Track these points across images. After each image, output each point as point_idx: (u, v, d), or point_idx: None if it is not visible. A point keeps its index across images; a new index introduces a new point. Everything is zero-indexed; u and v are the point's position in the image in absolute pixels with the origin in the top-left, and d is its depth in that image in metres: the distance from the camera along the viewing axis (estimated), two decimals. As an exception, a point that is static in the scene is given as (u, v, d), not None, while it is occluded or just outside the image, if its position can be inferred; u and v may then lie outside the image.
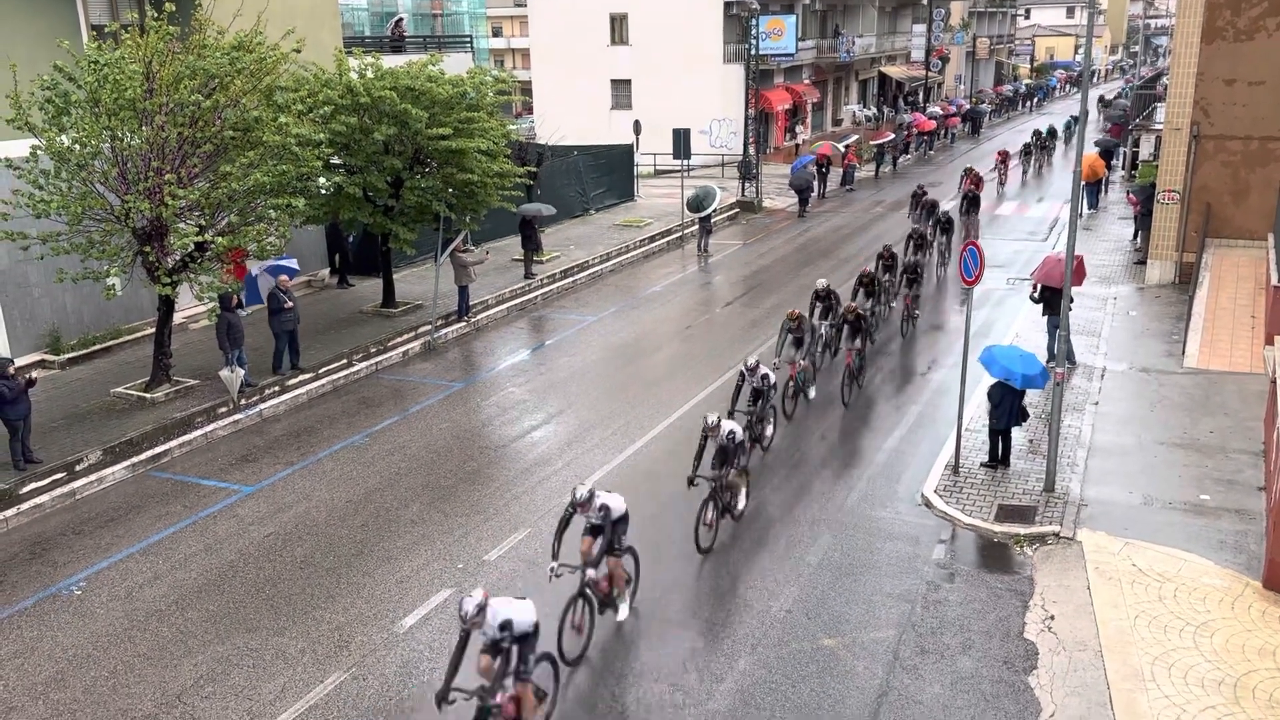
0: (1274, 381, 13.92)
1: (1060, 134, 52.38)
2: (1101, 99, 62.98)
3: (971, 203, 30.42)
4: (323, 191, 20.50)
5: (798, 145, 50.24)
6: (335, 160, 20.59)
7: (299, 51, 17.92)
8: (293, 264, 19.08)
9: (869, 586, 11.93)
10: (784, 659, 10.59)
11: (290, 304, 18.34)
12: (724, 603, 11.66)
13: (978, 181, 32.98)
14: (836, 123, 57.78)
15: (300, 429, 17.09)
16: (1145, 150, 36.73)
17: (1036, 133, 47.28)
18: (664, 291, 26.15)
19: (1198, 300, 20.89)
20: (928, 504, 13.88)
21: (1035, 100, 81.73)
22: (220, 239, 16.48)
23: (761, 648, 10.78)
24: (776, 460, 15.33)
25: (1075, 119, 51.45)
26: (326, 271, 25.49)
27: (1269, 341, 17.02)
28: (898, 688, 10.13)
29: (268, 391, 18.00)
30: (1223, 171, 23.73)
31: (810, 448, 15.92)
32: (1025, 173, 44.31)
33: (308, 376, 18.76)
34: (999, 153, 41.79)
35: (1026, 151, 44.95)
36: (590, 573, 10.60)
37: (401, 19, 43.67)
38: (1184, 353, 19.05)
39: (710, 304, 25.02)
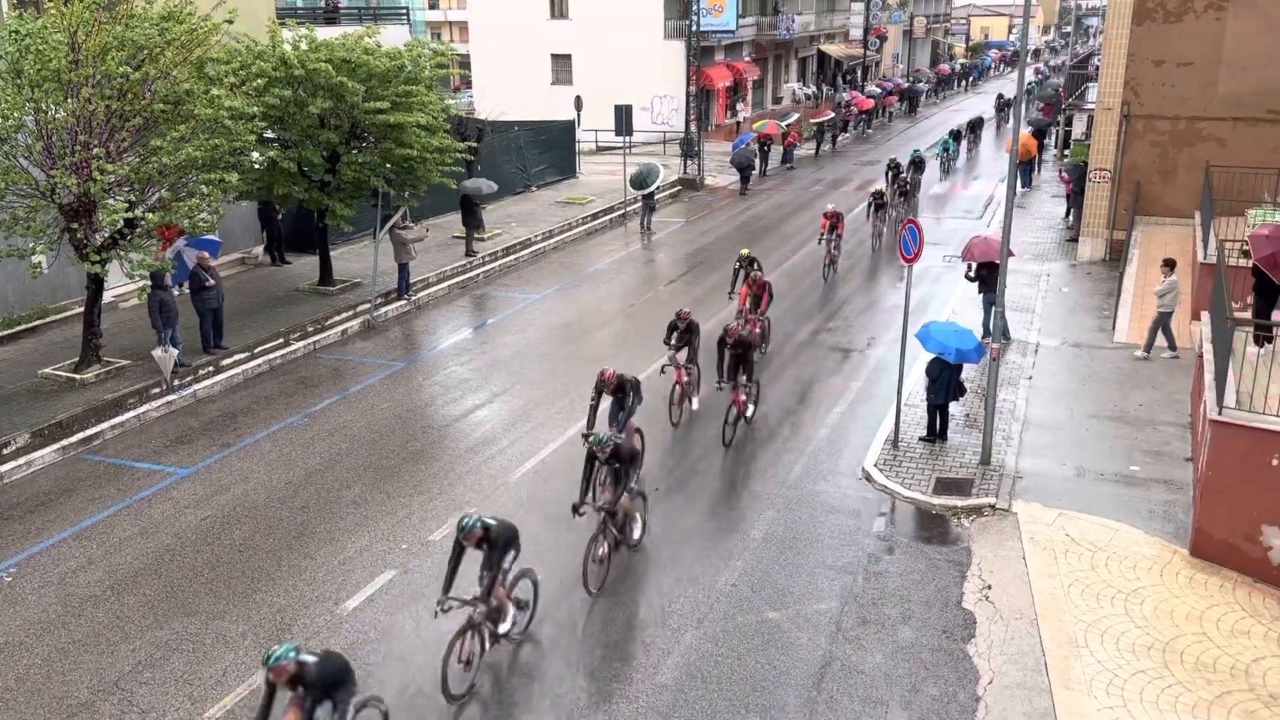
0: (1200, 355, 14.35)
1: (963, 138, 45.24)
2: (1000, 96, 58.68)
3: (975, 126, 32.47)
4: (256, 166, 20.03)
5: (739, 123, 50.34)
6: (269, 134, 20.13)
7: (231, 23, 17.46)
8: (213, 240, 18.63)
9: (812, 560, 12.11)
10: (729, 632, 10.71)
11: (212, 282, 17.92)
12: (670, 578, 11.73)
13: (836, 221, 24.70)
14: (777, 100, 57.99)
15: (236, 410, 16.77)
16: (1077, 129, 37.49)
17: (893, 165, 32.29)
18: (607, 269, 26.10)
19: (1127, 277, 21.44)
20: (868, 478, 14.11)
21: (970, 79, 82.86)
22: (151, 215, 16.04)
23: (707, 622, 10.89)
24: (718, 437, 15.40)
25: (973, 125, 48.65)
26: (260, 249, 24.97)
27: (1195, 317, 17.56)
28: (840, 658, 10.31)
29: (202, 372, 17.61)
30: (1152, 151, 24.34)
31: (754, 424, 16.04)
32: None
33: (243, 356, 18.39)
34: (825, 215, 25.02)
35: (894, 173, 31.91)
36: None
37: None
38: (1114, 328, 19.56)
39: (654, 281, 25.03)
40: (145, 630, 10.79)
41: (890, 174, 31.58)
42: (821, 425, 15.97)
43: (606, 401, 13.63)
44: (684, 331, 15.57)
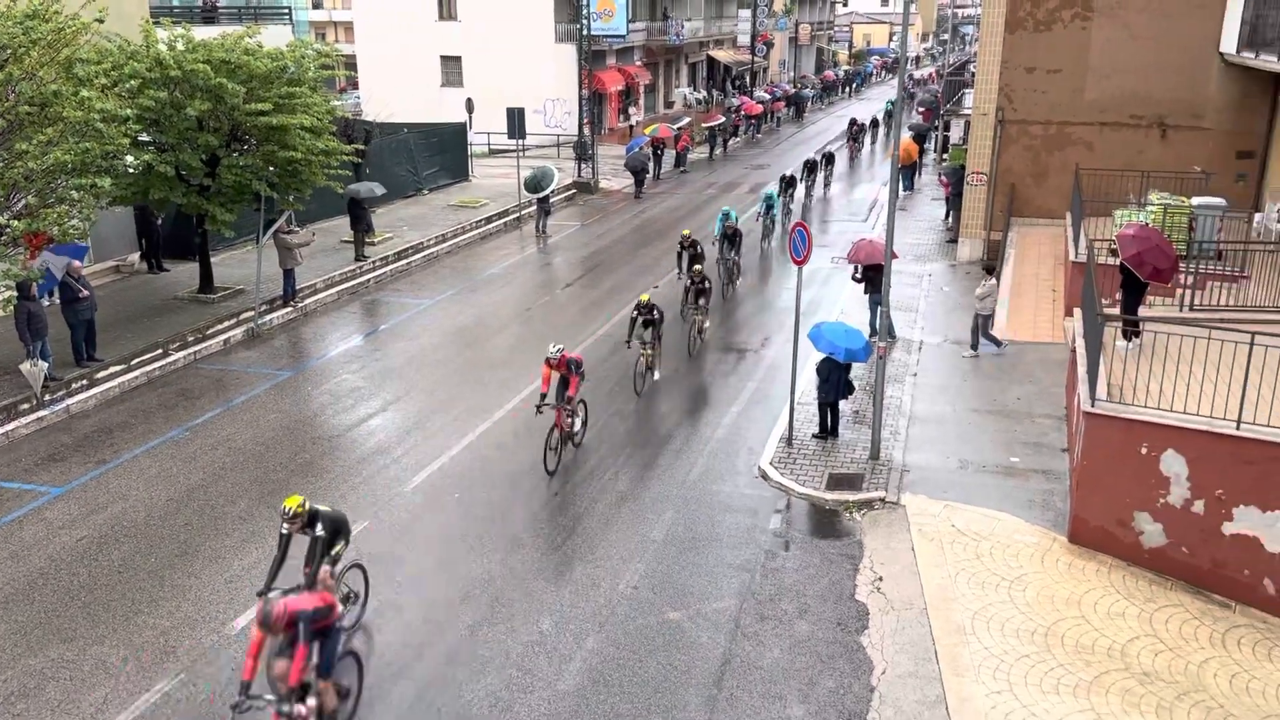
0: (1074, 350, 15.02)
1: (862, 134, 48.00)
2: (852, 122, 58.22)
3: (829, 160, 32.55)
4: (130, 170, 19.23)
5: (631, 127, 50.57)
6: (144, 137, 19.34)
7: (101, 22, 16.70)
8: (79, 246, 17.82)
9: (711, 559, 12.23)
10: (631, 635, 10.74)
11: (85, 293, 17.12)
12: (571, 583, 11.70)
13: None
14: (668, 105, 58.48)
15: (113, 424, 16.04)
16: (955, 134, 38.84)
17: (783, 182, 32.88)
18: (503, 273, 25.88)
19: (1004, 275, 22.28)
20: (764, 476, 14.33)
21: (854, 86, 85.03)
22: (17, 222, 15.19)
23: (609, 625, 10.89)
24: (620, 440, 15.45)
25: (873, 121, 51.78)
26: (136, 256, 23.95)
27: (1068, 313, 18.39)
28: (740, 655, 10.44)
29: (74, 386, 16.79)
30: (1025, 155, 25.37)
31: (653, 425, 16.13)
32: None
33: (119, 369, 17.61)
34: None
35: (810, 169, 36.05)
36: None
37: None
38: (993, 325, 20.28)
39: (551, 285, 24.94)
40: (18, 659, 10.22)
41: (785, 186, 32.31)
42: (719, 425, 16.15)
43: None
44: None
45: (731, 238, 23.40)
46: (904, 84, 14.67)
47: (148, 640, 10.56)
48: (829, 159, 38.68)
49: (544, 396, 14.12)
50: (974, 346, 18.80)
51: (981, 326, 18.74)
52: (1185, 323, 13.92)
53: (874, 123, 51.84)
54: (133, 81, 18.00)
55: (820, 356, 15.16)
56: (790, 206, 31.79)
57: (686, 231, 21.61)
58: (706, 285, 19.54)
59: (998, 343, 18.77)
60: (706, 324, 19.80)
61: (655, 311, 17.18)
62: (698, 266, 19.80)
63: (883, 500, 13.53)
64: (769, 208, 28.28)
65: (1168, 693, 9.77)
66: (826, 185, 38.06)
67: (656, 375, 17.91)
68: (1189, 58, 23.43)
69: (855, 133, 47.14)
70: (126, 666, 10.14)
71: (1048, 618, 10.90)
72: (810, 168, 36.20)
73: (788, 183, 32.26)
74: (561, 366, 14.33)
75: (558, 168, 32.41)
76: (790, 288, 23.80)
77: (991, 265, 19.39)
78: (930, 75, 78.95)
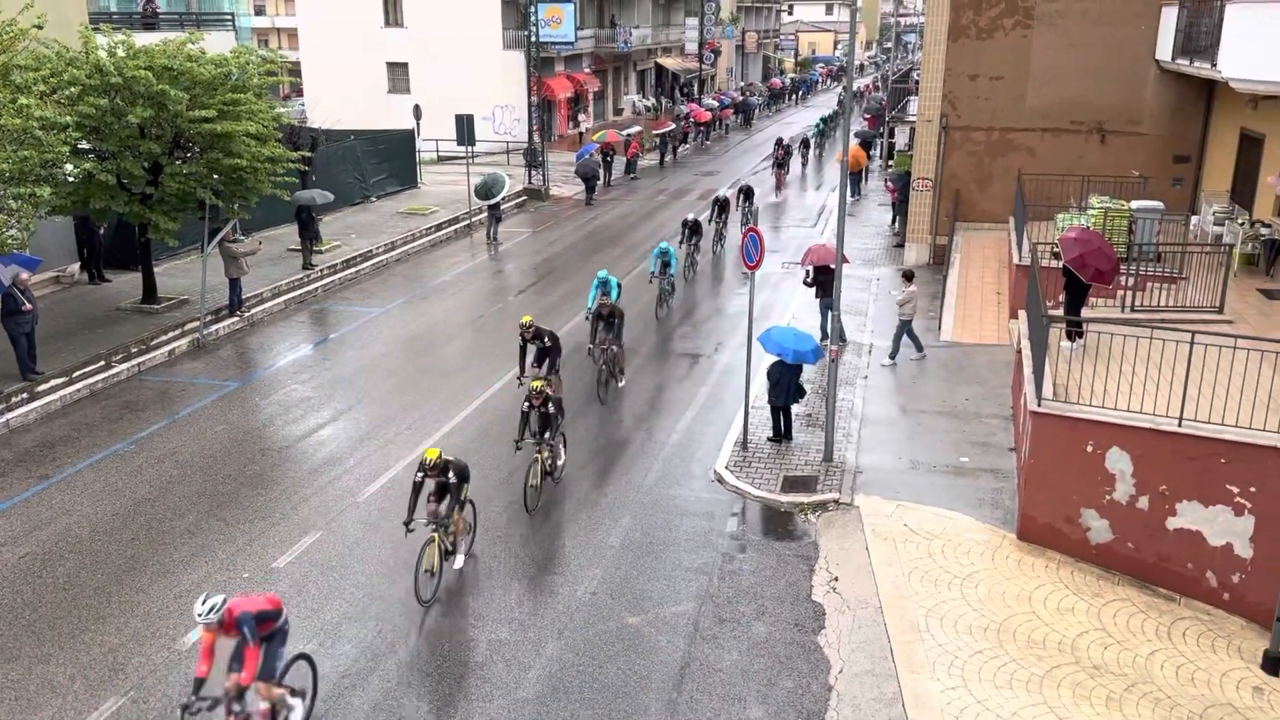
0: (1019, 352, 15.30)
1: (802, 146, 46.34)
2: (778, 143, 55.92)
3: (747, 194, 31.32)
4: (70, 179, 18.80)
5: (581, 133, 50.58)
6: (84, 145, 18.93)
7: (40, 28, 16.34)
8: (33, 258, 17.41)
9: (669, 563, 12.26)
10: (590, 641, 10.72)
11: (29, 306, 16.71)
12: (529, 590, 11.65)
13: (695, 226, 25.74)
14: (618, 112, 58.60)
15: (55, 439, 15.66)
16: (901, 141, 39.40)
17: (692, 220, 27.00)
18: (454, 281, 25.72)
19: (950, 279, 22.66)
20: (720, 480, 14.41)
21: (800, 93, 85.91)
22: (-49, 232, 14.81)
23: (568, 632, 10.87)
24: (575, 446, 15.43)
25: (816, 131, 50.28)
26: (76, 266, 23.41)
27: (1013, 315, 18.73)
28: (699, 658, 10.47)
29: (14, 400, 16.36)
30: (969, 160, 25.83)
31: (609, 431, 16.13)
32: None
33: (60, 381, 17.19)
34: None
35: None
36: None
37: None
38: (940, 328, 20.62)
39: (503, 292, 24.83)
40: (-43, 682, 9.93)
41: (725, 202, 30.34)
42: (674, 430, 16.20)
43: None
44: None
45: (609, 318, 17.43)
46: (851, 90, 14.86)
47: (95, 658, 10.32)
48: (747, 193, 31.31)
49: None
50: (892, 355, 18.85)
51: (904, 331, 18.94)
52: (1127, 323, 14.27)
53: (804, 143, 47.08)
54: (72, 88, 17.60)
55: (771, 360, 15.29)
56: (696, 258, 25.54)
57: (527, 319, 15.39)
58: (549, 409, 13.30)
59: (919, 346, 18.94)
60: (556, 473, 14.17)
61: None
62: (537, 384, 13.25)
63: (836, 501, 13.67)
64: (665, 265, 21.95)
65: (1117, 685, 9.99)
66: (746, 221, 29.00)
67: (622, 383, 17.95)
68: (1126, 65, 24.05)
69: (781, 158, 39.77)
70: (74, 685, 9.90)
71: (999, 614, 11.09)
72: (721, 206, 29.08)
73: (692, 228, 25.11)
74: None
75: (508, 174, 32.32)
76: (740, 293, 24.04)
77: (910, 272, 19.53)
78: (868, 86, 79.92)
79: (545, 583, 11.81)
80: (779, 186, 38.94)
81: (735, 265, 26.90)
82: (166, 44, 19.77)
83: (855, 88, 74.13)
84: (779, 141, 41.96)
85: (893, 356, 18.85)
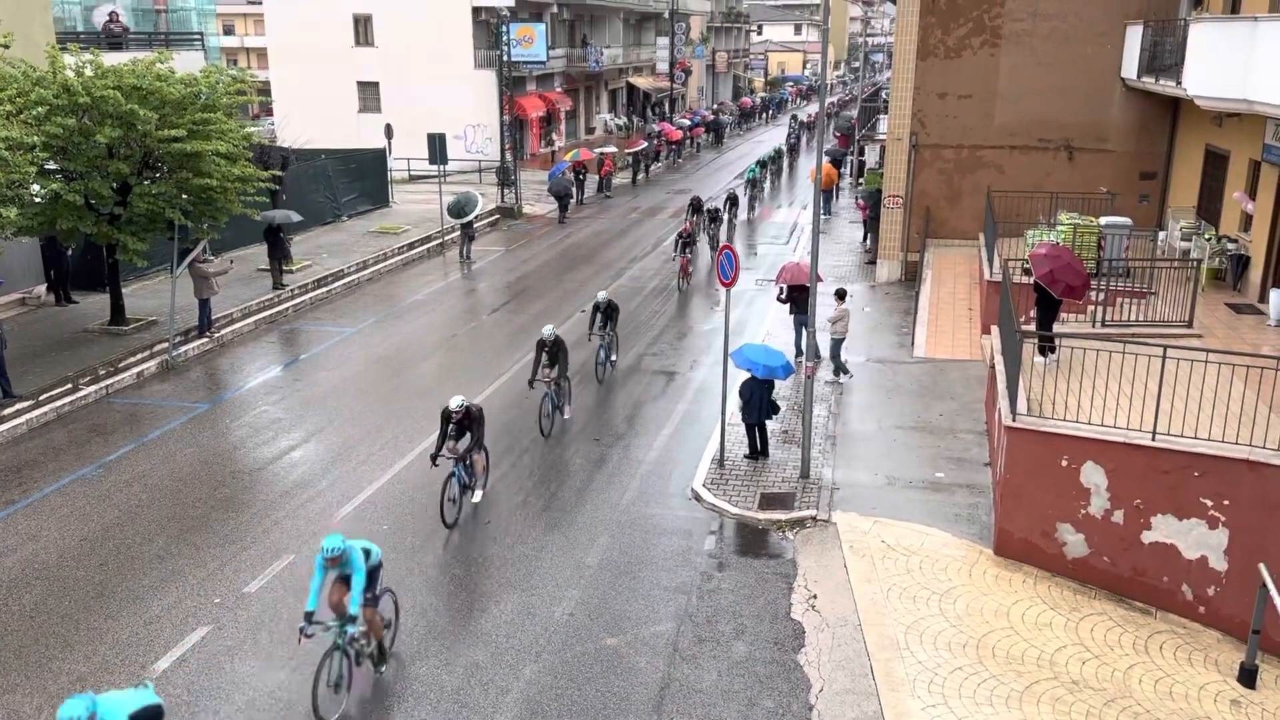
0: (992, 367, 15.40)
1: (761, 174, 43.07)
2: (794, 116, 58.62)
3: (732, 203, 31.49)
4: (37, 200, 18.54)
5: (554, 152, 50.63)
6: (51, 165, 18.68)
7: (6, 47, 16.15)
8: None
9: (647, 582, 12.18)
10: (569, 663, 10.61)
11: None
12: (506, 612, 11.53)
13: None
14: (590, 130, 58.73)
15: (20, 463, 15.36)
16: (871, 159, 39.72)
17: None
18: (427, 300, 25.58)
19: (922, 296, 22.82)
20: (697, 498, 14.36)
21: (770, 112, 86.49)
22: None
23: (546, 654, 10.75)
24: (553, 463, 15.34)
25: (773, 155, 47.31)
26: (43, 288, 23.07)
27: (985, 331, 18.86)
28: (679, 679, 10.39)
29: (-22, 423, 16.07)
30: (939, 178, 26.06)
31: (585, 450, 16.04)
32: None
33: (26, 405, 16.89)
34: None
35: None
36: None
37: (116, 11, 40.10)
38: (913, 344, 20.74)
39: (476, 311, 24.72)
40: (-82, 714, 9.67)
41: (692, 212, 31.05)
42: (650, 448, 16.14)
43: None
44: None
45: (608, 311, 18.66)
46: (825, 108, 14.95)
47: (63, 687, 10.08)
48: (713, 216, 29.80)
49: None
50: (836, 373, 18.82)
51: (832, 351, 18.92)
52: (1099, 338, 14.40)
53: (730, 200, 34.65)
54: (39, 108, 17.41)
55: (743, 379, 15.30)
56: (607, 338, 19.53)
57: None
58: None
59: (845, 371, 18.91)
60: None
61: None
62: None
63: (814, 518, 13.65)
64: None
65: (1096, 700, 10.01)
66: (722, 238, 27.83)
67: (568, 415, 17.38)
68: (1093, 83, 24.40)
69: (685, 239, 26.74)
70: (40, 716, 9.66)
71: (978, 630, 11.09)
72: (703, 211, 29.90)
73: (605, 312, 18.97)
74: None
75: (481, 193, 32.25)
76: (714, 311, 24.07)
77: (843, 290, 19.56)
78: (833, 104, 79.96)
79: (522, 604, 11.68)
80: (684, 274, 26.37)
81: (708, 283, 26.94)
82: (135, 63, 19.60)
83: (810, 114, 73.75)
84: (693, 206, 31.34)
85: (837, 374, 18.82)
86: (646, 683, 10.32)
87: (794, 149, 54.54)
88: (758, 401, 15.07)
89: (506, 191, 37.99)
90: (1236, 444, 11.17)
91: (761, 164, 44.01)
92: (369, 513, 13.83)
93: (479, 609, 11.60)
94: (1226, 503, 11.13)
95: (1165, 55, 20.51)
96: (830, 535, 13.27)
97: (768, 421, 15.47)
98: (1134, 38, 22.90)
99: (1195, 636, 11.23)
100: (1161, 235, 21.83)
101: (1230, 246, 19.05)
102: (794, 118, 66.24)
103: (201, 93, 19.96)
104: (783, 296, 20.15)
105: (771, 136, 66.64)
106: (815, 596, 11.90)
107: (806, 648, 10.92)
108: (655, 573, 12.41)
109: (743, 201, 38.09)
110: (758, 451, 15.41)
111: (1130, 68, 23.08)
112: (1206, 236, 19.77)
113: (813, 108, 70.15)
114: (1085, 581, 12.07)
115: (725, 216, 33.15)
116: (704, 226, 30.66)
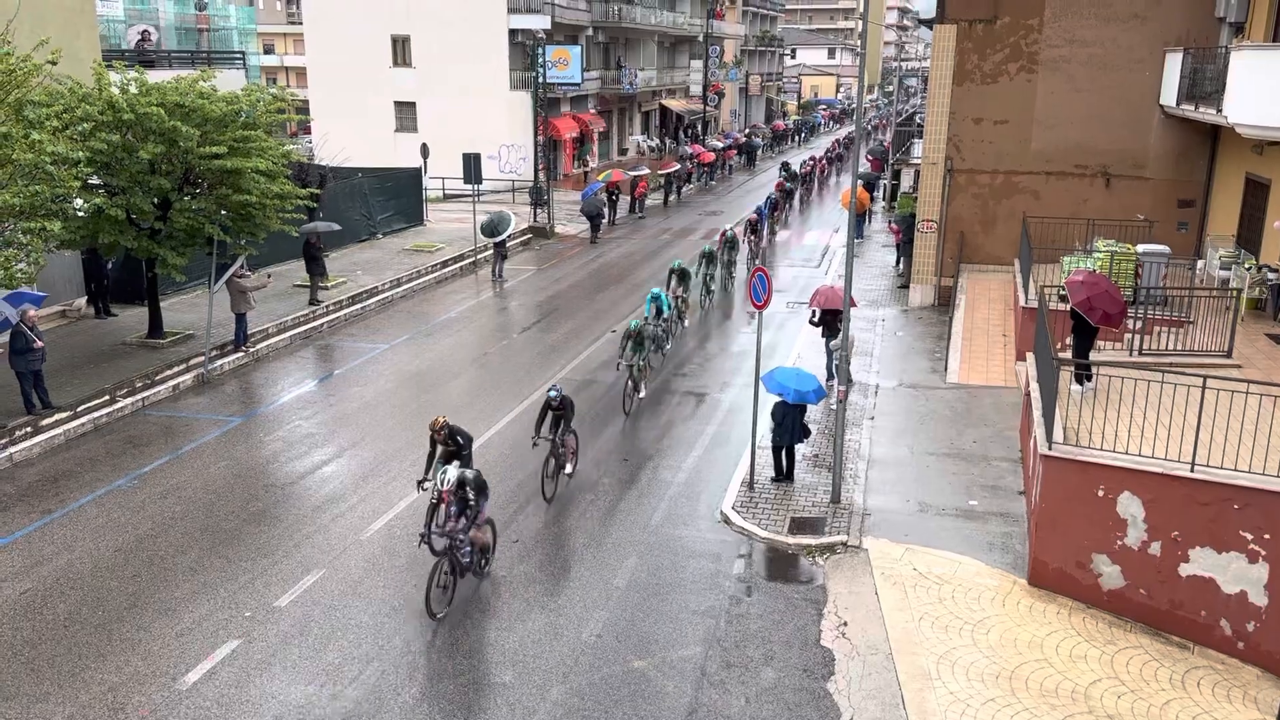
0: (1027, 394, 15.25)
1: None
2: (784, 165, 50.50)
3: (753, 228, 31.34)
4: (80, 214, 18.88)
5: (586, 173, 50.94)
6: (95, 180, 19.03)
7: (54, 64, 16.49)
8: (37, 295, 17.41)
9: (675, 605, 12.11)
10: (596, 685, 10.56)
11: (40, 343, 16.65)
12: (533, 632, 11.50)
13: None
14: (623, 152, 59.05)
15: (58, 473, 15.57)
16: (905, 183, 39.61)
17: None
18: (459, 318, 25.73)
19: (956, 321, 22.66)
20: (726, 520, 14.28)
21: (802, 135, 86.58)
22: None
23: (573, 675, 10.71)
24: (581, 485, 15.33)
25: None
26: (83, 300, 23.45)
27: (1020, 357, 18.70)
28: (706, 704, 10.31)
29: (18, 434, 16.29)
30: (973, 203, 25.93)
31: (614, 469, 16.03)
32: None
33: (64, 416, 17.13)
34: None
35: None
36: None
37: (148, 30, 40.84)
38: (946, 369, 20.58)
39: (507, 329, 24.83)
40: (-47, 721, 9.78)
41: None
42: (680, 469, 16.10)
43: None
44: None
45: (639, 339, 18.70)
46: (861, 129, 14.93)
47: (95, 697, 10.16)
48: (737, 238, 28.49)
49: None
50: (843, 381, 18.57)
51: (828, 368, 19.08)
52: (1136, 366, 14.22)
53: (707, 257, 26.86)
54: (85, 124, 17.75)
55: (775, 401, 15.24)
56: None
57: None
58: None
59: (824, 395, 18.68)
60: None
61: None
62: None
63: (844, 544, 13.54)
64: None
65: (1132, 735, 9.82)
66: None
67: (643, 393, 18.83)
68: (1130, 110, 24.22)
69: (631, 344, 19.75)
70: (71, 726, 9.75)
71: (1011, 661, 10.93)
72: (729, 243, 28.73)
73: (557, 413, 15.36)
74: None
75: (514, 213, 32.47)
76: (745, 332, 24.03)
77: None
78: (845, 136, 78.64)
79: (549, 624, 11.66)
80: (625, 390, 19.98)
81: (741, 304, 26.92)
82: (178, 81, 19.95)
83: (842, 138, 72.67)
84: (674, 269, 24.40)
85: (841, 382, 18.54)
86: (674, 707, 10.25)
87: (775, 208, 39.11)
88: (789, 424, 15.00)
89: (539, 211, 38.22)
90: (1278, 477, 10.96)
91: (680, 273, 24.17)
92: (398, 529, 13.88)
93: (505, 628, 11.59)
94: (1267, 536, 10.92)
95: (1205, 83, 20.32)
96: (861, 561, 13.14)
97: (798, 445, 15.39)
98: (1173, 65, 22.72)
99: (1234, 673, 11.01)
100: (1200, 264, 21.56)
101: (1271, 276, 18.78)
102: (784, 165, 51.30)
103: (242, 111, 20.27)
104: (816, 319, 20.09)
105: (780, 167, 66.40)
106: (846, 624, 11.78)
107: (836, 675, 10.80)
108: (683, 595, 12.34)
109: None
110: (783, 474, 15.33)
111: (1169, 95, 22.89)
112: (1246, 265, 19.51)
113: (805, 155, 62.44)
114: (1121, 614, 11.87)
115: (757, 232, 33.15)
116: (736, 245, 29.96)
